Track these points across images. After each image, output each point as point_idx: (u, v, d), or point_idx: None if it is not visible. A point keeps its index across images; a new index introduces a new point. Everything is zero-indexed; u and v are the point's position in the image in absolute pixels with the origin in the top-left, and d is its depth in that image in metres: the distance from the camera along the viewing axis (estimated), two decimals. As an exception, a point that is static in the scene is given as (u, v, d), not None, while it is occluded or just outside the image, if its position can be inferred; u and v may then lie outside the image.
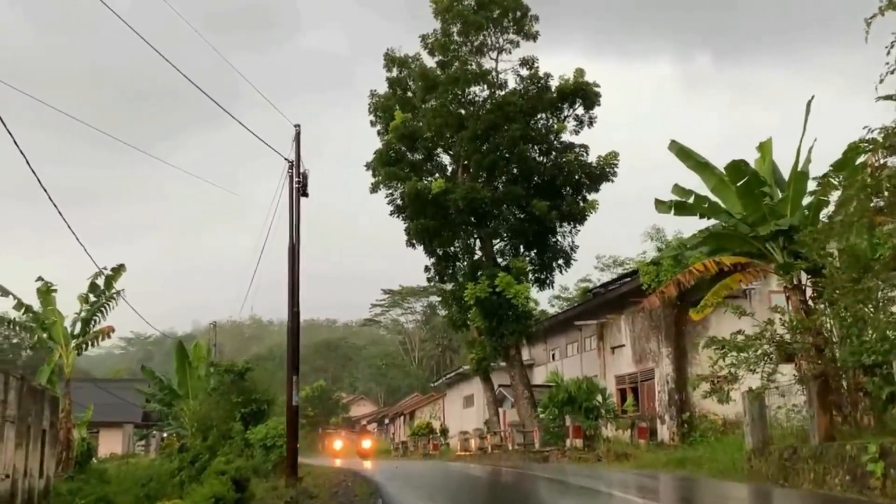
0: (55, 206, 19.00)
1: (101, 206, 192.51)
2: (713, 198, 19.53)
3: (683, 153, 19.39)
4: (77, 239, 20.77)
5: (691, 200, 19.78)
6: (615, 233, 47.64)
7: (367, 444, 51.40)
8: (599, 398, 28.85)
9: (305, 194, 16.87)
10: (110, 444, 45.94)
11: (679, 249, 20.28)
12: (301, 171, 16.69)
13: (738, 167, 17.67)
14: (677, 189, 20.03)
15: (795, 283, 18.28)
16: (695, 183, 20.07)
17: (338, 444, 52.89)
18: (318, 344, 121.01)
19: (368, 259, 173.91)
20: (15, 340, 74.66)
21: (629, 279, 36.18)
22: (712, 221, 20.29)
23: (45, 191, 17.49)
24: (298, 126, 16.95)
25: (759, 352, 15.72)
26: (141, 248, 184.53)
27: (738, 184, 18.00)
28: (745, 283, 19.84)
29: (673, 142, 19.52)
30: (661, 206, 20.07)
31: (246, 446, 22.29)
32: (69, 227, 20.08)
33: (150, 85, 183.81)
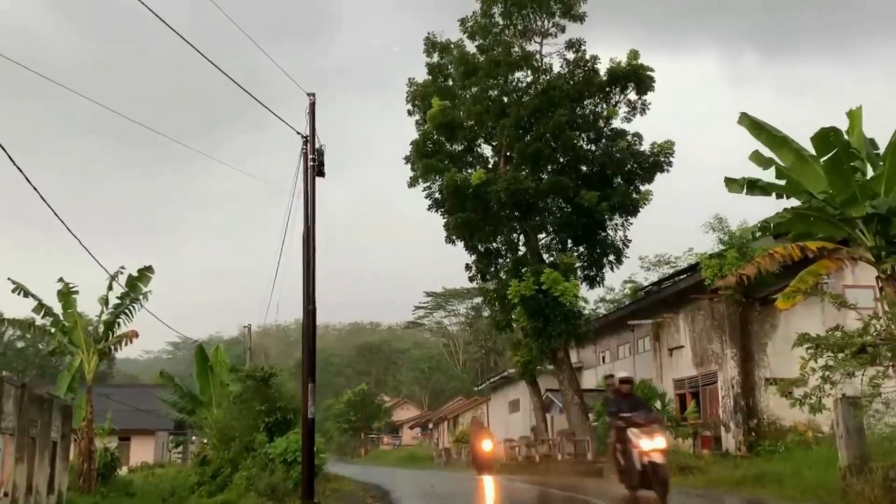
0: (47, 204, 17.37)
1: (146, 210, 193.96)
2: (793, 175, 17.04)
3: (756, 127, 16.86)
4: (77, 239, 18.97)
5: (769, 177, 17.33)
6: (659, 232, 44.89)
7: (657, 443, 14.57)
8: (658, 404, 26.25)
9: (321, 174, 14.68)
10: (142, 453, 44.42)
11: (763, 232, 17.65)
12: (317, 146, 14.56)
13: (826, 137, 15.10)
14: (756, 157, 17.46)
15: (889, 272, 15.79)
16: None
17: (487, 444, 33.38)
18: (361, 347, 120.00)
19: (414, 260, 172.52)
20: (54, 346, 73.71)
21: (687, 275, 33.66)
22: (784, 204, 17.82)
23: (35, 189, 15.81)
24: (313, 95, 14.72)
25: (863, 352, 13.13)
26: (190, 252, 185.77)
27: (825, 158, 15.47)
28: (832, 271, 17.20)
29: (743, 115, 17.02)
30: (731, 185, 17.59)
31: (269, 460, 20.23)
32: (66, 226, 18.42)
33: (188, 90, 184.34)
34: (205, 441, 36.44)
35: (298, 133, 14.47)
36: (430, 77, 36.65)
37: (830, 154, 15.32)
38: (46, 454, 20.81)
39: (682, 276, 34.79)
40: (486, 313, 56.54)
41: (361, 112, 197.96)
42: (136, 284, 29.47)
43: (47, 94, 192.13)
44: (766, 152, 17.34)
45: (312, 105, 14.62)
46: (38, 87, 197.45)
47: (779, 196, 17.65)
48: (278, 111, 14.77)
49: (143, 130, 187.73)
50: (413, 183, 35.66)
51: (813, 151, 16.11)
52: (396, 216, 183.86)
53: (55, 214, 18.11)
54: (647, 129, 35.31)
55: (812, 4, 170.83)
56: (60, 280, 28.87)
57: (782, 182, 17.32)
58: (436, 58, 36.55)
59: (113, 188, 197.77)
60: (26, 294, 28.24)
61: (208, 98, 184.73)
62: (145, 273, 29.59)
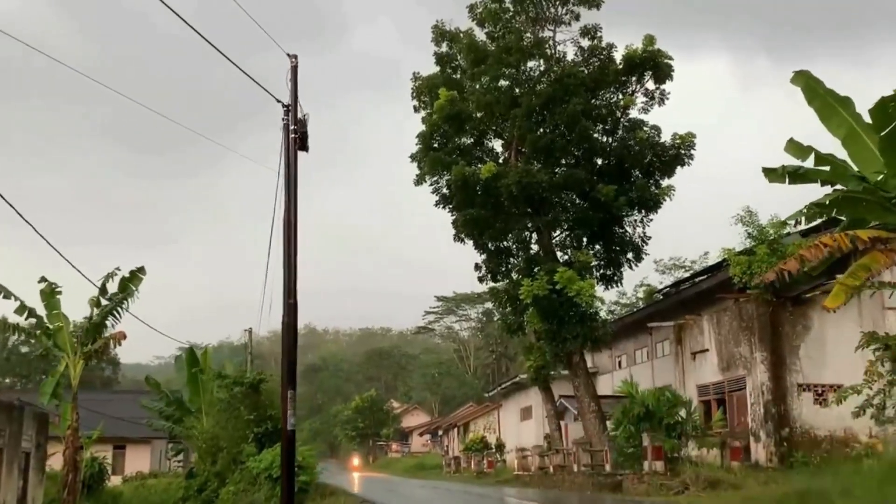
0: (18, 213, 15.90)
1: (155, 216, 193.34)
2: (841, 155, 15.16)
3: (811, 89, 14.87)
4: (51, 245, 17.55)
5: (810, 162, 15.44)
6: (668, 234, 42.66)
7: None
8: (683, 412, 24.28)
9: (305, 147, 12.78)
10: (138, 462, 42.64)
11: (810, 218, 15.69)
12: (299, 116, 12.65)
13: (884, 109, 13.17)
14: (792, 146, 15.63)
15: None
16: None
17: None
18: (371, 352, 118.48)
19: (424, 265, 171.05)
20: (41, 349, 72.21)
21: (708, 275, 31.76)
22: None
23: (6, 200, 14.30)
24: (295, 58, 12.62)
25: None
26: (202, 258, 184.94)
27: (883, 133, 13.56)
28: (885, 265, 15.21)
29: (799, 73, 15.06)
30: (771, 174, 15.71)
31: (257, 474, 18.36)
32: (40, 234, 16.85)
33: (196, 93, 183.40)
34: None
35: (279, 101, 12.60)
36: (439, 68, 34.82)
37: (889, 129, 13.43)
38: (16, 466, 19.10)
39: (704, 276, 32.91)
40: (497, 317, 54.68)
41: (373, 115, 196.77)
42: (127, 285, 27.82)
43: (55, 97, 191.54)
44: (803, 137, 15.50)
45: (294, 68, 12.67)
46: (45, 89, 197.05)
47: (823, 183, 15.82)
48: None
49: (151, 136, 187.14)
50: (420, 181, 33.83)
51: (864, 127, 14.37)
52: (408, 220, 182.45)
53: (29, 225, 16.71)
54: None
55: (822, 6, 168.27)
56: (43, 279, 27.13)
57: (827, 168, 15.46)
58: (444, 47, 34.73)
59: (124, 194, 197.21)
60: (7, 295, 26.59)
61: (214, 101, 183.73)
62: (137, 274, 27.86)
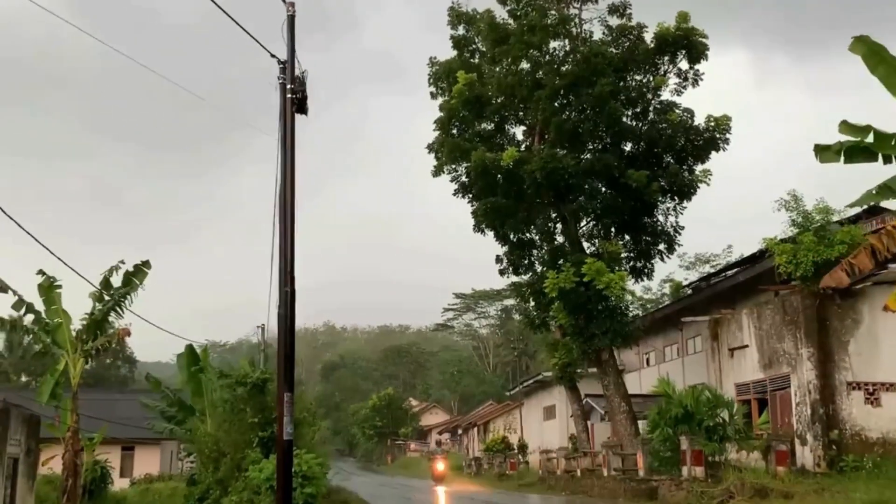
0: (4, 212, 14.46)
1: (167, 213, 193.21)
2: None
3: (875, 55, 12.97)
4: (41, 242, 16.23)
5: (870, 139, 13.66)
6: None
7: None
8: (724, 414, 22.41)
9: (303, 110, 11.08)
10: (147, 464, 41.23)
11: (883, 196, 13.91)
12: (297, 74, 10.94)
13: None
14: (846, 127, 13.86)
15: None
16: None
17: None
18: (389, 349, 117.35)
19: (444, 261, 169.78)
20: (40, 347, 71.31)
21: (747, 266, 29.87)
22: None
23: None
24: (292, 6, 10.80)
25: None
26: (222, 256, 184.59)
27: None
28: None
29: (859, 38, 13.25)
30: (824, 153, 13.87)
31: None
32: (19, 225, 15.45)
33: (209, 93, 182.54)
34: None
35: (273, 56, 10.86)
36: (456, 52, 33.14)
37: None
38: (1, 473, 17.55)
39: (738, 269, 31.00)
40: (516, 315, 53.00)
41: (388, 108, 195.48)
42: (131, 280, 26.33)
43: (68, 96, 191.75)
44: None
45: (291, 18, 10.88)
46: (58, 90, 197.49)
47: (886, 160, 14.05)
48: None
49: (162, 136, 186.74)
50: (438, 171, 32.27)
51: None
52: (426, 216, 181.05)
53: (17, 223, 15.30)
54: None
55: (836, 3, 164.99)
56: (41, 272, 25.62)
57: (893, 142, 13.67)
58: (461, 30, 33.03)
59: (137, 193, 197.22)
60: (4, 288, 25.14)
61: (219, 102, 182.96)
62: (141, 268, 26.33)
